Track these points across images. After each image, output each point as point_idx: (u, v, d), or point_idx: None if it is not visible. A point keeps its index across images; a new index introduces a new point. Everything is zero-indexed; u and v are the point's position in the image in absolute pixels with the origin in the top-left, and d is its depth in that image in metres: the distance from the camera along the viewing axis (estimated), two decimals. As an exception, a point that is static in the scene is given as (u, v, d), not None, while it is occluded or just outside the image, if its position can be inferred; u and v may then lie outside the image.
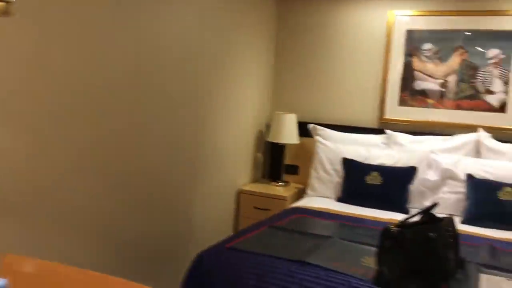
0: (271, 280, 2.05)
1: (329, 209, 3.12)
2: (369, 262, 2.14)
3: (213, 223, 3.38)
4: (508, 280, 2.02)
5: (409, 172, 3.24)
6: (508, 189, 2.90)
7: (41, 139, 1.94)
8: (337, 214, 3.02)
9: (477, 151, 3.35)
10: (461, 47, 3.52)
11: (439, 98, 3.60)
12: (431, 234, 1.86)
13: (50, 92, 1.96)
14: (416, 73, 3.65)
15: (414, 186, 3.23)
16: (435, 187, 3.24)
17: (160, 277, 2.80)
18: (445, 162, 3.25)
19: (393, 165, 3.29)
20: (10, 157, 1.80)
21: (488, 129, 3.41)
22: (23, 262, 1.19)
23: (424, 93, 3.64)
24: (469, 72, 3.52)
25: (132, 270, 2.56)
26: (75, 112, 2.09)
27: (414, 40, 3.65)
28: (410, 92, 3.68)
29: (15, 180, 1.84)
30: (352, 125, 3.80)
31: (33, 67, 1.87)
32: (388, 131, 3.59)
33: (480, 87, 3.49)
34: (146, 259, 2.68)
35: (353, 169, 3.37)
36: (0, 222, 1.79)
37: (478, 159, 3.27)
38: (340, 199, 3.37)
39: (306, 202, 3.32)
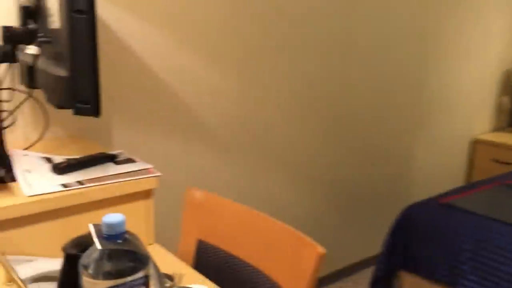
0: (490, 249, 1.71)
1: None
2: None
3: (439, 175, 3.04)
4: None
5: None
6: None
7: (251, 82, 1.97)
8: None
9: None
10: None
11: None
12: None
13: (258, 32, 1.95)
14: None
15: None
16: None
17: (373, 221, 2.68)
18: None
19: None
20: (222, 95, 1.88)
21: None
22: (200, 195, 1.22)
23: None
24: None
25: (344, 212, 2.50)
26: (286, 53, 2.05)
27: None
28: None
29: (226, 117, 1.92)
30: None
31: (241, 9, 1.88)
32: None
33: None
34: (360, 203, 2.57)
35: None
36: (209, 156, 1.91)
37: None
38: None
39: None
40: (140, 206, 1.20)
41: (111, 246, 0.63)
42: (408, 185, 2.83)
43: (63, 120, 1.51)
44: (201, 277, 1.08)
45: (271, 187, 2.16)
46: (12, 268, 0.88)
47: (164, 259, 1.17)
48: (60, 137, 1.51)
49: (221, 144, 1.93)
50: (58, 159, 1.24)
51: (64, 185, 1.09)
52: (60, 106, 0.97)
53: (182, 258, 1.22)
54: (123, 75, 1.61)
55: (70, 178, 1.13)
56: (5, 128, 1.15)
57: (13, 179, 1.10)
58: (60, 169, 1.15)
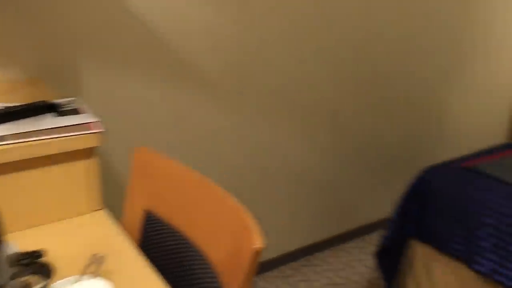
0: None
1: None
2: None
3: (476, 132, 2.72)
4: None
5: None
6: None
7: (253, 19, 1.70)
8: None
9: None
10: None
11: None
12: None
13: None
14: None
15: None
16: None
17: (395, 183, 2.44)
18: None
19: None
20: (216, 34, 1.64)
21: None
22: (150, 157, 1.02)
23: None
24: None
25: (364, 173, 2.26)
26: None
27: None
28: None
29: (221, 59, 1.68)
30: None
31: None
32: None
33: None
34: (380, 164, 2.33)
35: None
36: (197, 103, 1.70)
37: None
38: None
39: None
40: (78, 166, 1.02)
41: None
42: (437, 144, 2.54)
43: (22, 60, 1.32)
44: (133, 259, 0.91)
45: (279, 141, 1.94)
46: None
47: (104, 230, 1.00)
48: (16, 79, 1.33)
49: (214, 90, 1.70)
50: (-5, 107, 1.07)
51: (-23, 142, 0.92)
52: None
53: (127, 230, 1.05)
54: (93, 10, 1.39)
55: (-5, 131, 0.96)
56: None
57: None
58: (-15, 120, 0.98)
